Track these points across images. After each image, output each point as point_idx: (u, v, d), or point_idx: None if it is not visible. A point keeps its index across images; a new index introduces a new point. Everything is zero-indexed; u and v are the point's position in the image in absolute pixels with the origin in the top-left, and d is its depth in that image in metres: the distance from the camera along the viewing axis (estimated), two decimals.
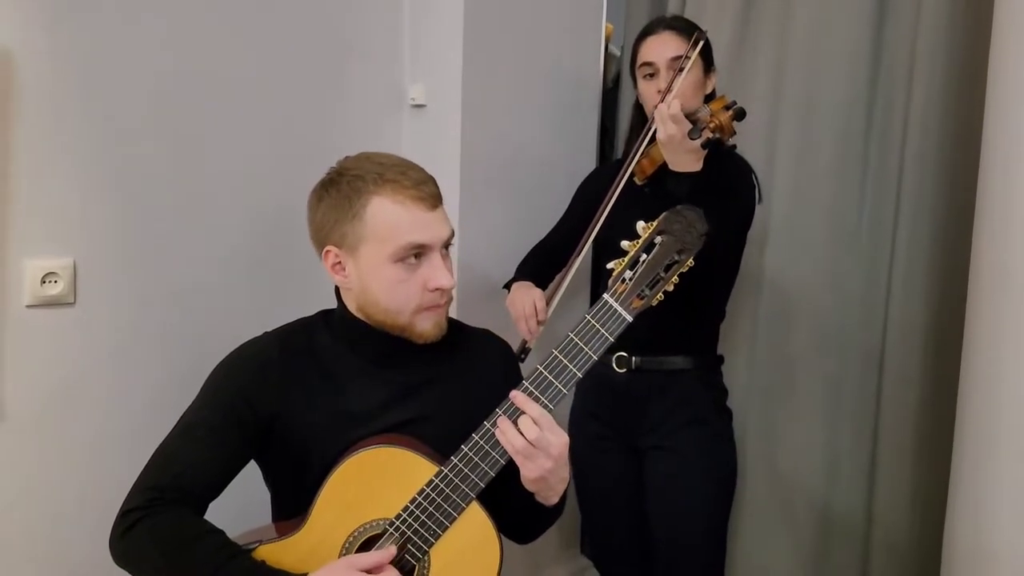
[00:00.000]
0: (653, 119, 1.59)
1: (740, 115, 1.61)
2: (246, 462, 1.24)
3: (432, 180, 1.23)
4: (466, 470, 1.14)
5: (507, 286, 1.89)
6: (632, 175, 1.71)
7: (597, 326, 1.14)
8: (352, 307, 1.27)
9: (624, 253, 1.17)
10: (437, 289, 1.21)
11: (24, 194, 1.50)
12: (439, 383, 1.28)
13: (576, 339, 1.14)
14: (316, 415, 1.22)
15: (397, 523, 1.15)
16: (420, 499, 1.14)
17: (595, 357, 1.14)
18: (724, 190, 1.62)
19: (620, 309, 1.14)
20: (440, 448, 1.18)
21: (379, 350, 1.26)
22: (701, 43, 1.67)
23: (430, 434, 1.22)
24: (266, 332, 1.30)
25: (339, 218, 1.21)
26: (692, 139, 1.55)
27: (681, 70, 1.65)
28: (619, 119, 2.46)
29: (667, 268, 1.15)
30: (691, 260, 1.16)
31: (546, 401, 1.13)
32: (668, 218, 1.16)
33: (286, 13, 1.84)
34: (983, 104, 1.60)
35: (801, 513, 2.22)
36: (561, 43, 2.22)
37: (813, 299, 2.16)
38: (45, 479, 1.58)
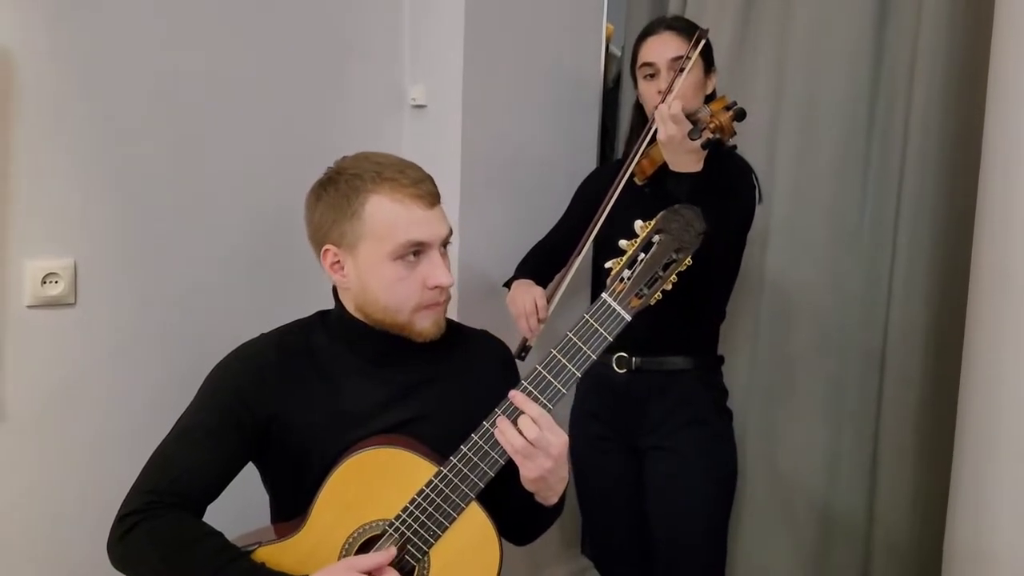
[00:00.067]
0: (653, 119, 1.59)
1: (740, 115, 1.61)
2: (244, 464, 1.24)
3: (430, 179, 1.23)
4: (465, 470, 1.14)
5: (507, 284, 1.89)
6: (632, 175, 1.71)
7: (596, 325, 1.14)
8: (350, 307, 1.26)
9: (623, 252, 1.17)
10: (436, 287, 1.21)
11: (24, 194, 1.51)
12: (438, 382, 1.28)
13: (575, 339, 1.14)
14: (315, 416, 1.22)
15: (397, 524, 1.15)
16: (419, 500, 1.14)
17: (594, 357, 1.14)
18: (724, 190, 1.62)
19: (618, 308, 1.14)
20: (439, 448, 1.18)
21: (377, 349, 1.26)
22: (703, 42, 1.66)
23: (429, 434, 1.22)
24: (263, 334, 1.30)
25: (338, 217, 1.21)
26: (692, 139, 1.55)
27: (682, 70, 1.65)
28: (619, 119, 2.45)
29: (665, 267, 1.15)
30: (689, 259, 1.16)
31: (545, 401, 1.13)
32: (666, 217, 1.16)
33: (286, 13, 1.84)
34: (984, 104, 1.60)
35: (802, 513, 2.21)
36: (562, 43, 2.22)
37: (814, 299, 2.16)
38: (45, 479, 1.58)
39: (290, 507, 1.22)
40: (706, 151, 1.58)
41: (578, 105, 2.30)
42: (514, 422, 1.12)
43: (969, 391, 1.60)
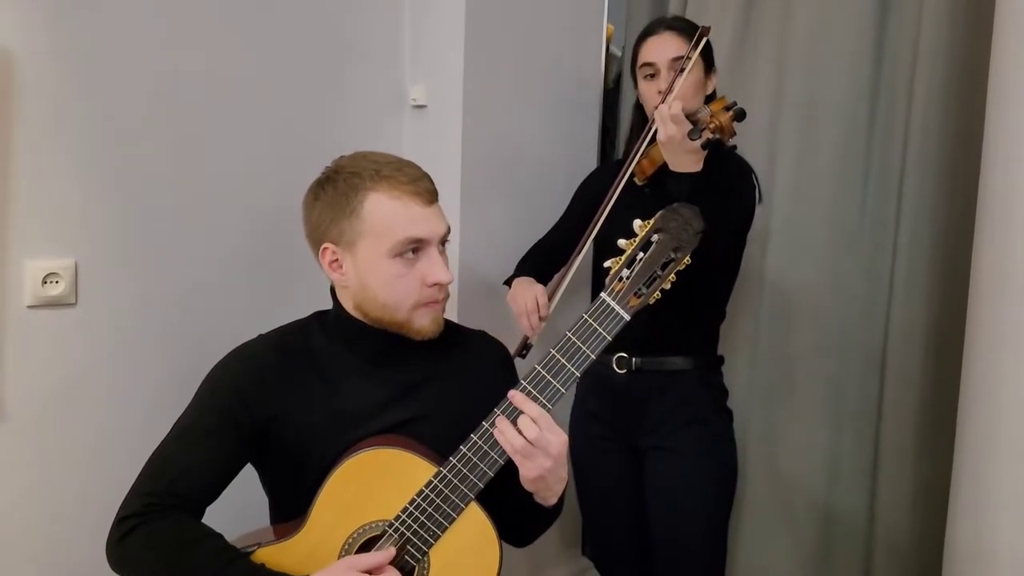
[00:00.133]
0: (653, 119, 1.59)
1: (740, 116, 1.60)
2: (243, 464, 1.24)
3: (428, 177, 1.24)
4: (465, 470, 1.14)
5: (508, 282, 1.89)
6: (632, 175, 1.71)
7: (595, 325, 1.14)
8: (348, 306, 1.26)
9: (622, 252, 1.17)
10: (435, 284, 1.22)
11: (24, 194, 1.51)
12: (436, 381, 1.28)
13: (574, 338, 1.14)
14: (314, 416, 1.22)
15: (396, 524, 1.15)
16: (419, 500, 1.14)
17: (593, 356, 1.14)
18: (724, 190, 1.62)
19: (618, 308, 1.14)
20: (438, 448, 1.18)
21: (376, 349, 1.26)
22: (703, 42, 1.66)
23: (428, 434, 1.22)
24: (260, 335, 1.30)
25: (336, 215, 1.21)
26: (692, 140, 1.54)
27: (682, 71, 1.65)
28: (620, 119, 2.45)
29: (664, 266, 1.15)
30: (688, 258, 1.16)
31: (544, 401, 1.13)
32: (664, 216, 1.16)
33: (286, 13, 1.84)
34: (984, 104, 1.60)
35: (802, 513, 2.21)
36: (562, 43, 2.22)
37: (814, 299, 2.16)
38: (45, 479, 1.58)
39: (289, 508, 1.22)
40: (706, 151, 1.58)
41: (578, 105, 2.30)
42: (513, 422, 1.12)
43: (969, 391, 1.60)
